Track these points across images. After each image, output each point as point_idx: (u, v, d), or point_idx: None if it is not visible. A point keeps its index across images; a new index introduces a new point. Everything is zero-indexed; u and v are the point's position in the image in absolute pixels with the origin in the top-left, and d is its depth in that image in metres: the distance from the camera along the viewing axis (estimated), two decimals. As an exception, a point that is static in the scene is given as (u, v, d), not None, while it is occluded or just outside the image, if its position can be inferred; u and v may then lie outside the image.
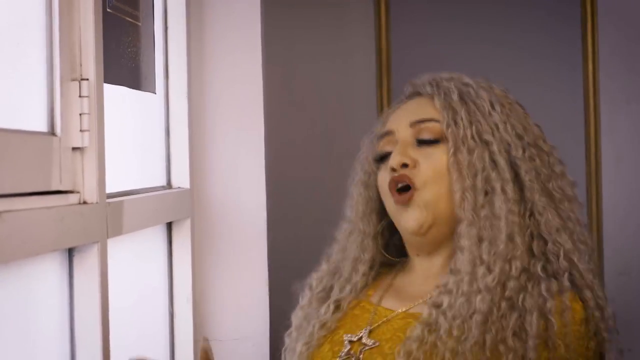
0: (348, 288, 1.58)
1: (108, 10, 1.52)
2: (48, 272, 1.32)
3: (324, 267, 1.62)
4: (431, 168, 1.48)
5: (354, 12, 2.69)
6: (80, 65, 1.36)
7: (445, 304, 1.42)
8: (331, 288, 1.59)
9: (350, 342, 1.50)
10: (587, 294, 1.44)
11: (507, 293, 1.41)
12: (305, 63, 2.61)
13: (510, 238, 1.44)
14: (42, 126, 1.30)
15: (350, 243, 1.60)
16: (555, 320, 1.40)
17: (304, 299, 1.62)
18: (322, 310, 1.57)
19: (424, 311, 1.45)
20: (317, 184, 2.52)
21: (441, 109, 1.51)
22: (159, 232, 1.88)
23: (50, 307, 1.33)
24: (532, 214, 1.47)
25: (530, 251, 1.45)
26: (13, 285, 1.21)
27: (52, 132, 1.31)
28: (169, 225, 1.91)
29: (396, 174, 1.49)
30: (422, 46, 2.70)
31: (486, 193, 1.46)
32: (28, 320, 1.26)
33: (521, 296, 1.41)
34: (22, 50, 1.27)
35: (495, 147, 1.48)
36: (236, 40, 2.00)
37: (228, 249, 1.99)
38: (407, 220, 1.49)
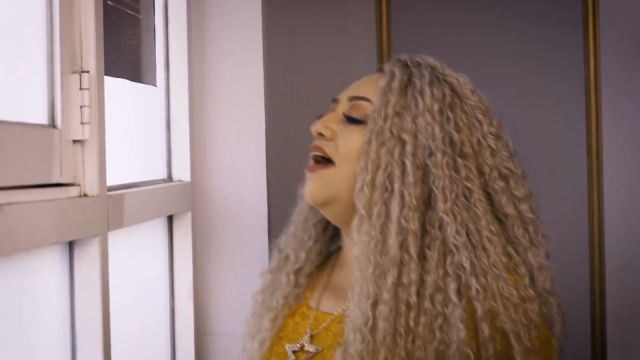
0: (303, 255, 1.58)
1: (109, 2, 1.51)
2: (48, 265, 1.32)
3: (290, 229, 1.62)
4: (345, 147, 1.45)
5: (355, 11, 2.69)
6: (81, 58, 1.35)
7: (350, 313, 1.38)
8: (288, 257, 1.60)
9: (294, 351, 1.49)
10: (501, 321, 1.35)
11: (415, 318, 1.34)
12: (307, 57, 2.61)
13: (402, 246, 1.36)
14: (42, 119, 1.29)
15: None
16: (474, 354, 1.33)
17: (274, 261, 1.62)
18: (283, 279, 1.57)
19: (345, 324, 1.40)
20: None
21: (379, 92, 1.45)
22: (160, 226, 1.87)
23: (51, 300, 1.33)
24: (441, 226, 1.38)
25: (442, 267, 1.37)
26: (13, 278, 1.21)
27: (52, 125, 1.30)
28: (170, 219, 1.91)
29: (316, 143, 1.49)
30: (423, 46, 2.67)
31: (387, 191, 1.39)
32: (28, 314, 1.26)
33: (438, 322, 1.34)
34: (22, 43, 1.26)
35: (409, 148, 1.40)
36: (237, 33, 1.99)
37: (229, 243, 1.99)
38: (305, 189, 1.50)
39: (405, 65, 1.49)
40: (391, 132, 1.41)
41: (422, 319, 1.34)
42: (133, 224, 1.57)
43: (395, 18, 2.69)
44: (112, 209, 1.43)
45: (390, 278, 1.35)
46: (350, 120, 1.47)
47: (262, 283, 1.62)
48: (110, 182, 1.43)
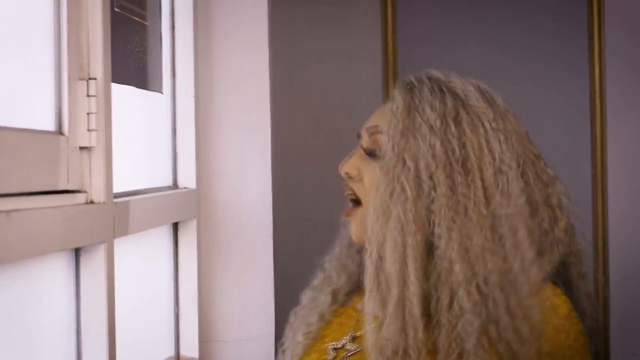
0: (344, 278, 1.59)
1: (115, 9, 1.52)
2: (55, 271, 1.32)
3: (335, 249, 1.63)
4: (369, 184, 1.45)
5: (360, 11, 2.69)
6: (88, 65, 1.36)
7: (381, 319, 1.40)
8: (330, 277, 1.61)
9: (335, 349, 1.52)
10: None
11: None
12: (312, 63, 2.62)
13: (401, 260, 1.36)
14: (49, 125, 1.30)
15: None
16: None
17: (316, 279, 1.63)
18: (322, 298, 1.59)
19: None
20: (323, 184, 2.51)
21: (388, 118, 1.43)
22: (165, 232, 1.88)
23: (57, 306, 1.33)
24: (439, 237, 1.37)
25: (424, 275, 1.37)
26: (20, 284, 1.21)
27: (59, 132, 1.31)
28: (175, 226, 1.91)
29: (347, 183, 1.50)
30: (428, 45, 2.71)
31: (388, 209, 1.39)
32: (34, 320, 1.26)
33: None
34: (30, 50, 1.27)
35: (409, 165, 1.39)
36: (243, 40, 2.00)
37: (234, 250, 1.99)
38: (350, 232, 1.52)
39: (407, 84, 1.46)
40: (396, 156, 1.40)
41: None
42: (139, 231, 1.57)
43: (401, 17, 2.70)
44: (118, 216, 1.43)
45: (395, 291, 1.38)
46: (371, 154, 1.47)
47: (303, 300, 1.63)
48: (116, 189, 1.44)
